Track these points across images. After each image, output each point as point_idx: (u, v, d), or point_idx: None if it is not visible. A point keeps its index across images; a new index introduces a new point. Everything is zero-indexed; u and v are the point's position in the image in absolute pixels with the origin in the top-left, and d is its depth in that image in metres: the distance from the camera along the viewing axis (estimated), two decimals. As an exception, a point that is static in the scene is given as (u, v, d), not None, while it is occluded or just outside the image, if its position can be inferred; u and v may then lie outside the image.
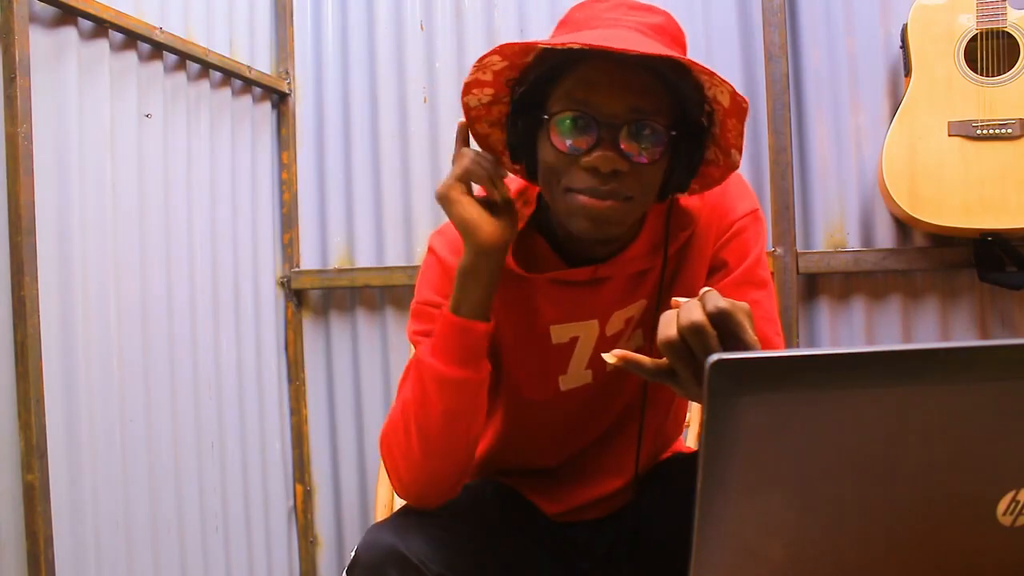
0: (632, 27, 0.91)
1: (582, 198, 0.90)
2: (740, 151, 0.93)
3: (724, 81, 0.86)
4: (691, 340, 0.69)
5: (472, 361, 0.94)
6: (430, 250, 1.08)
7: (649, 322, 1.04)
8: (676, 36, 0.95)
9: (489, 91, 0.97)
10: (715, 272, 1.04)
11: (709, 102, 0.92)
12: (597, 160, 0.87)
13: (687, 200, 1.02)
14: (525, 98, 0.93)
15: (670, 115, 0.90)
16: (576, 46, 0.85)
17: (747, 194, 1.07)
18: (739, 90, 2.05)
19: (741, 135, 0.91)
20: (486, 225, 0.92)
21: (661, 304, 1.01)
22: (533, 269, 1.01)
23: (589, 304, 1.02)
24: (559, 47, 0.87)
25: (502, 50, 0.90)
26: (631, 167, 0.88)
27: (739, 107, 0.88)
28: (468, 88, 0.97)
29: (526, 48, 0.90)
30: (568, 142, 0.90)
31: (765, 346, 1.01)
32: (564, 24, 0.96)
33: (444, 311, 0.95)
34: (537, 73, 0.92)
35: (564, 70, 0.91)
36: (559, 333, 1.04)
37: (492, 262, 0.94)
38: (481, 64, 0.93)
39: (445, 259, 1.05)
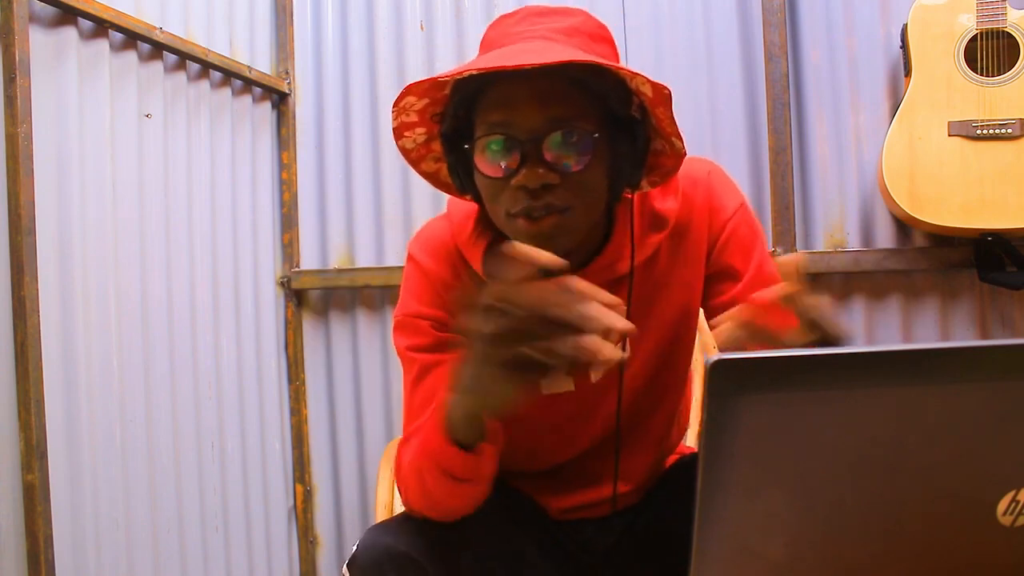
0: (541, 36, 0.89)
1: (520, 222, 0.89)
2: (680, 138, 0.91)
3: (637, 73, 0.85)
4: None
5: (475, 473, 0.90)
6: (409, 258, 1.07)
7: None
8: (594, 34, 0.93)
9: (421, 130, 0.97)
10: (725, 280, 1.03)
11: (635, 93, 0.91)
12: (524, 178, 0.86)
13: (662, 204, 1.02)
14: (452, 130, 0.93)
15: (594, 116, 0.89)
16: (473, 71, 0.85)
17: (731, 189, 1.05)
18: (739, 90, 2.07)
19: (673, 123, 0.89)
20: (502, 401, 0.78)
21: (630, 311, 0.99)
22: None
23: None
24: (457, 76, 0.87)
25: (412, 89, 0.90)
26: (562, 177, 0.87)
27: (662, 95, 0.87)
28: (399, 133, 0.96)
29: (434, 83, 0.89)
30: (494, 166, 0.89)
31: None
32: (482, 45, 0.96)
33: (439, 430, 0.87)
34: (456, 103, 0.91)
35: (479, 95, 0.90)
36: None
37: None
38: (399, 107, 0.93)
39: (426, 265, 1.05)
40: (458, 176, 0.96)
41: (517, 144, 0.87)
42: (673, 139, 0.92)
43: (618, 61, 0.96)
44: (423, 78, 0.89)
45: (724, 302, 1.03)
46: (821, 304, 0.80)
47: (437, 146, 0.99)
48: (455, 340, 1.04)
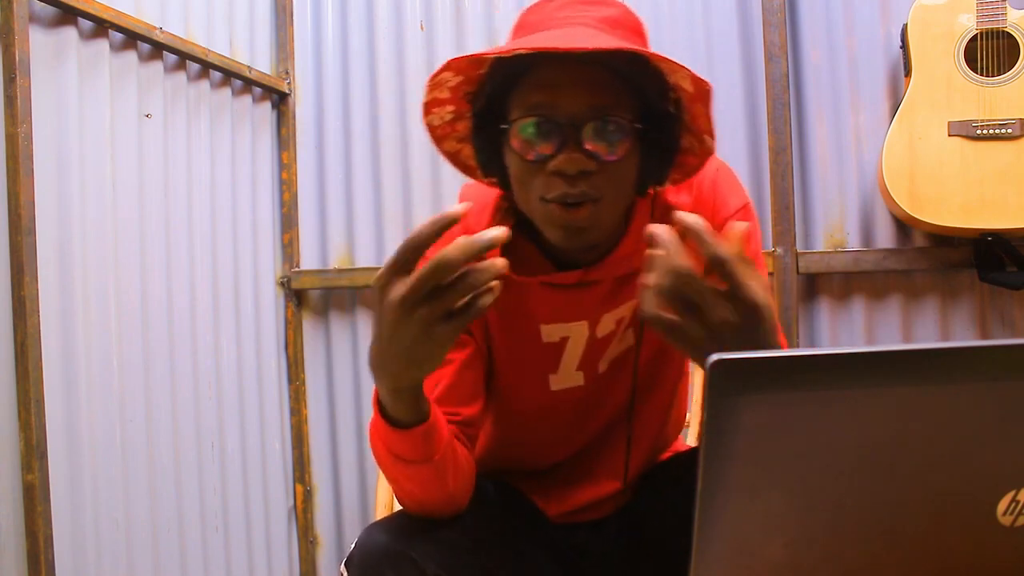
0: (585, 23, 0.89)
1: (555, 209, 0.88)
2: (713, 136, 0.91)
3: (682, 67, 0.85)
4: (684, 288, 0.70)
5: (421, 453, 0.88)
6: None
7: (640, 322, 1.04)
8: (633, 27, 0.93)
9: (450, 108, 0.96)
10: (711, 273, 1.03)
11: (673, 89, 0.90)
12: (562, 163, 0.86)
13: (676, 198, 1.01)
14: (485, 110, 0.92)
15: (633, 108, 0.89)
16: (524, 51, 0.84)
17: (737, 188, 1.05)
18: (739, 90, 2.06)
19: (710, 119, 0.89)
20: (431, 362, 0.77)
21: None
22: (523, 272, 1.00)
23: (578, 306, 1.01)
24: (507, 54, 0.86)
25: (452, 65, 0.89)
26: (599, 166, 0.87)
27: (703, 91, 0.86)
28: (428, 108, 0.95)
29: (477, 60, 0.89)
30: (531, 149, 0.88)
31: None
32: (518, 28, 0.95)
33: (376, 415, 0.86)
34: (493, 83, 0.91)
35: (519, 76, 0.89)
36: (549, 332, 1.03)
37: (416, 391, 0.84)
38: (434, 82, 0.92)
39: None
40: (485, 157, 0.95)
41: (557, 128, 0.86)
42: (705, 136, 0.92)
43: None
44: (458, 59, 0.87)
45: None
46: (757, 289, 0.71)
47: (462, 126, 0.98)
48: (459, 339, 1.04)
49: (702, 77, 0.85)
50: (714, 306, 0.70)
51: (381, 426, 0.86)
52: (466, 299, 0.71)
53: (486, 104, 0.92)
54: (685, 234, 0.71)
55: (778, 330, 0.75)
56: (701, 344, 0.71)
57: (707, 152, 0.94)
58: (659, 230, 0.71)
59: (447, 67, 0.89)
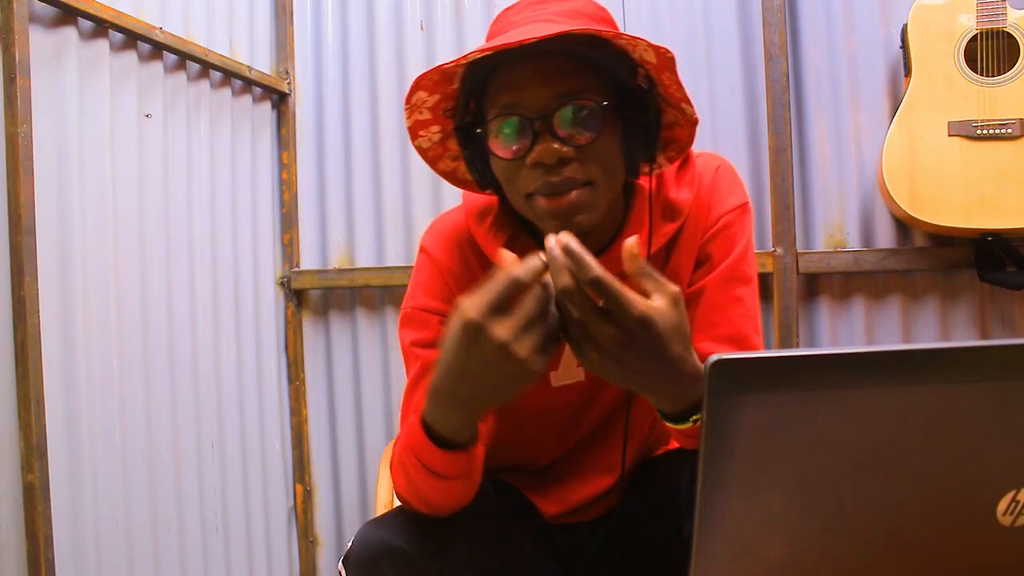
0: (542, 20, 0.91)
1: (542, 201, 0.89)
2: (689, 103, 0.92)
3: (638, 39, 0.86)
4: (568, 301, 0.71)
5: (461, 470, 0.88)
6: (422, 250, 1.07)
7: None
8: (594, 15, 0.94)
9: (435, 128, 0.98)
10: (700, 266, 1.03)
11: (640, 65, 0.91)
12: (539, 155, 0.87)
13: (677, 195, 1.02)
14: (464, 122, 0.94)
15: (602, 90, 0.90)
16: (478, 53, 0.86)
17: (736, 187, 1.06)
18: (739, 90, 2.06)
19: (681, 87, 0.90)
20: (511, 394, 0.77)
21: None
22: None
23: None
24: (464, 61, 0.88)
25: (422, 84, 0.91)
26: (576, 151, 0.88)
27: (664, 59, 0.88)
28: (414, 132, 0.97)
29: (442, 73, 0.90)
30: (508, 148, 0.90)
31: (743, 344, 1.00)
32: (487, 39, 0.97)
33: (419, 433, 0.85)
34: (465, 94, 0.93)
35: (487, 82, 0.91)
36: None
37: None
38: (411, 105, 0.93)
39: (437, 257, 1.05)
40: (477, 169, 0.96)
41: (528, 123, 0.88)
42: (683, 105, 0.92)
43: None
44: (424, 75, 0.89)
45: (694, 291, 1.03)
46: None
47: (453, 144, 0.99)
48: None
49: (661, 45, 0.86)
50: (597, 323, 0.71)
51: (425, 446, 0.86)
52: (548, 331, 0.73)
53: (464, 116, 0.94)
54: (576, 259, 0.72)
55: (690, 346, 0.75)
56: (593, 359, 0.73)
57: (691, 122, 0.94)
58: (551, 244, 0.72)
59: (417, 86, 0.91)
